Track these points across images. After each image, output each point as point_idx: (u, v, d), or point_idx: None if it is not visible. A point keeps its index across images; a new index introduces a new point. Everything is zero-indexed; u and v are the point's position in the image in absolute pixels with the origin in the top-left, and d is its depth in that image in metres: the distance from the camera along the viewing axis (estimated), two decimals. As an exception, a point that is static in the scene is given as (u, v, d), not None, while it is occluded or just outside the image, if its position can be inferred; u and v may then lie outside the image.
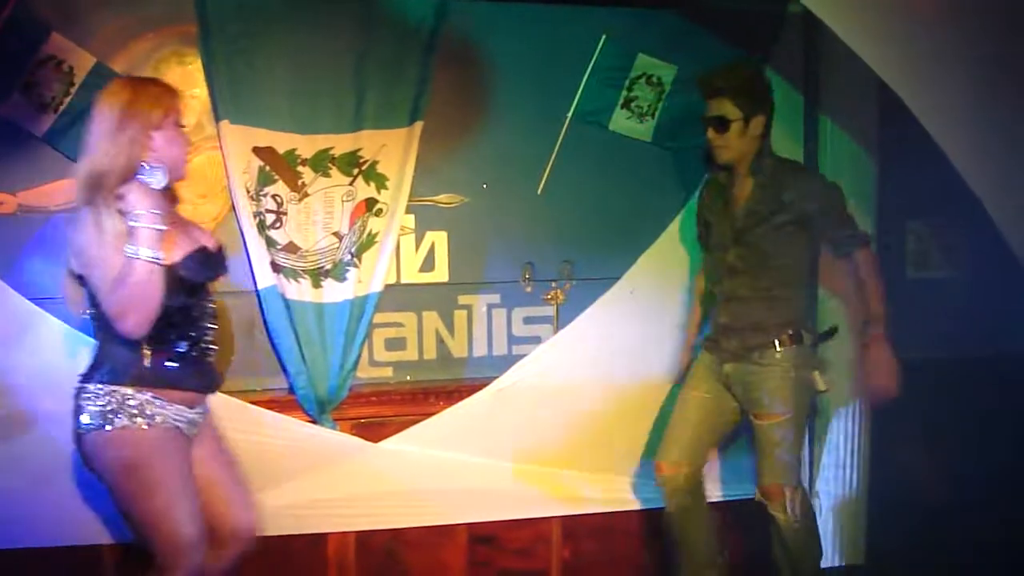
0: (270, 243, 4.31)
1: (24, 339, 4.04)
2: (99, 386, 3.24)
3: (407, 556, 4.51)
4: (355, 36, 4.36)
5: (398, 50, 4.39)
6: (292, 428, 4.26)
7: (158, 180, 3.25)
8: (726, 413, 4.27)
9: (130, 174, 3.18)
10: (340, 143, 4.39)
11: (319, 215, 4.39)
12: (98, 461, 3.28)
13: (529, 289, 4.67)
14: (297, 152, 4.33)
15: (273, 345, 4.36)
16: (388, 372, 4.60)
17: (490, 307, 4.67)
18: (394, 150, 4.40)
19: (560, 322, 4.68)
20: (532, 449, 4.52)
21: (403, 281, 4.56)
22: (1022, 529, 4.48)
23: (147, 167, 3.23)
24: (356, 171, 4.40)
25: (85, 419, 3.23)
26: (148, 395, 3.25)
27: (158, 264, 3.12)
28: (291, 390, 4.36)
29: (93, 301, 3.24)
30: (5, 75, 4.08)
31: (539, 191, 4.63)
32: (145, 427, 3.23)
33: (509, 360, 4.61)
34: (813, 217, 4.06)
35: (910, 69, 3.81)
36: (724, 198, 4.22)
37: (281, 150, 4.33)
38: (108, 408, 3.21)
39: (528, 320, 4.69)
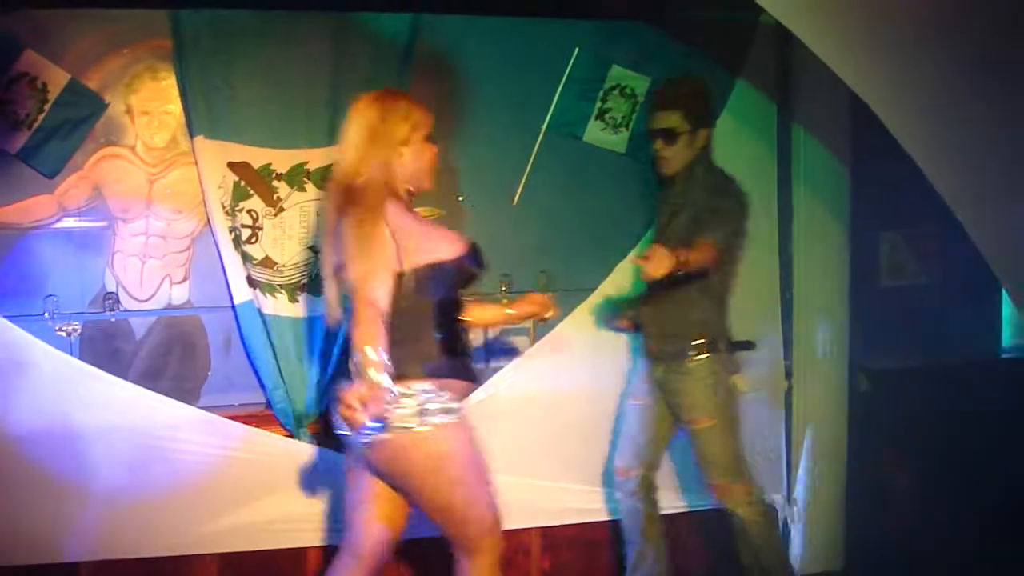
0: (246, 258, 4.31)
1: (-1, 357, 4.02)
2: (403, 387, 3.23)
3: (387, 570, 4.49)
4: (330, 51, 4.37)
5: (373, 64, 4.40)
6: (270, 443, 4.26)
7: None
8: (666, 418, 4.31)
9: (381, 188, 3.28)
10: (315, 157, 4.39)
11: (295, 230, 4.40)
12: (405, 461, 3.32)
13: (506, 301, 4.66)
14: (272, 167, 4.34)
15: (250, 360, 4.37)
16: (366, 386, 4.59)
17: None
18: (369, 164, 4.40)
19: (537, 333, 4.68)
20: (510, 461, 4.49)
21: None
22: (998, 533, 4.51)
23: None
24: (332, 185, 4.40)
25: (394, 421, 3.22)
26: (441, 390, 3.31)
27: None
28: (268, 405, 4.37)
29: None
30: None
31: (514, 202, 4.65)
32: (450, 422, 3.31)
33: (486, 372, 4.60)
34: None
35: (879, 79, 3.84)
36: (668, 212, 4.26)
37: (256, 165, 4.33)
38: (424, 406, 3.26)
39: (505, 332, 4.70)
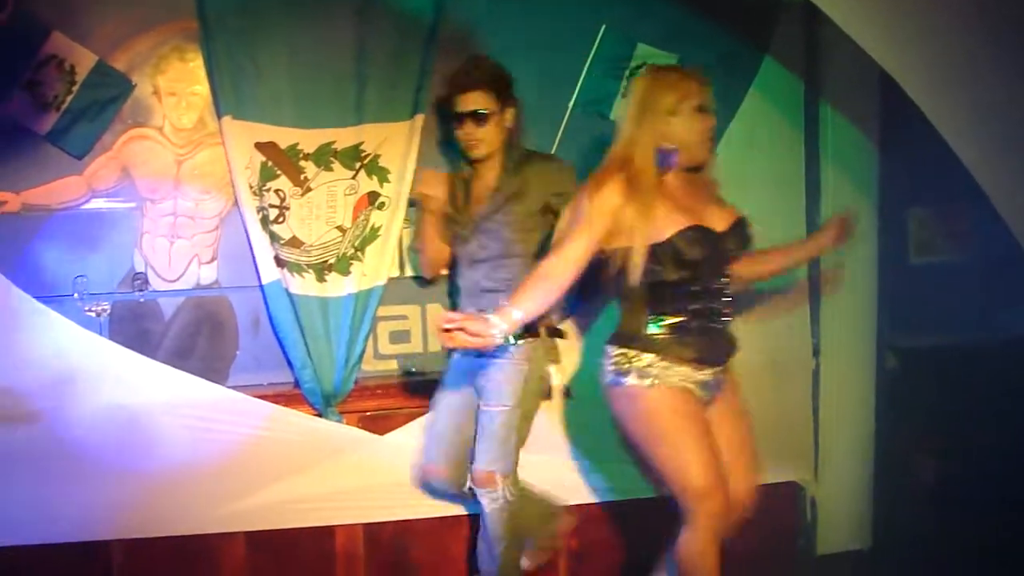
0: (273, 238, 4.32)
1: (27, 337, 4.04)
2: (613, 348, 3.62)
3: (414, 548, 4.52)
4: (356, 29, 4.36)
5: (399, 43, 4.39)
6: (298, 422, 4.27)
7: (671, 162, 3.51)
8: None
9: (650, 158, 3.46)
10: (342, 137, 4.39)
11: (322, 209, 4.40)
12: (614, 412, 3.66)
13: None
14: (299, 147, 4.34)
15: (278, 339, 4.39)
16: (393, 365, 4.62)
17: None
18: (396, 143, 4.41)
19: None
20: (537, 438, 4.52)
21: (406, 274, 4.58)
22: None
23: (662, 151, 3.48)
24: (358, 165, 4.41)
25: (606, 376, 3.63)
26: (652, 358, 3.53)
27: None
28: (297, 384, 4.38)
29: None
30: (7, 74, 4.10)
31: (541, 181, 4.63)
32: (647, 385, 3.52)
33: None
34: (558, 209, 3.88)
35: (908, 55, 3.81)
36: (466, 191, 4.20)
37: (283, 145, 4.34)
38: (619, 367, 3.57)
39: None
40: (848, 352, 4.83)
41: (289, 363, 4.39)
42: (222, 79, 4.25)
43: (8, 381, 4.02)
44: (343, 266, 4.39)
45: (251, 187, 4.28)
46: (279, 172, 4.35)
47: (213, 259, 4.41)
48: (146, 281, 4.33)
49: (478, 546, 4.21)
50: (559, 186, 4.06)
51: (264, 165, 4.32)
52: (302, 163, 4.37)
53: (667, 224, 3.46)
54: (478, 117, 4.04)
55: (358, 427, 4.39)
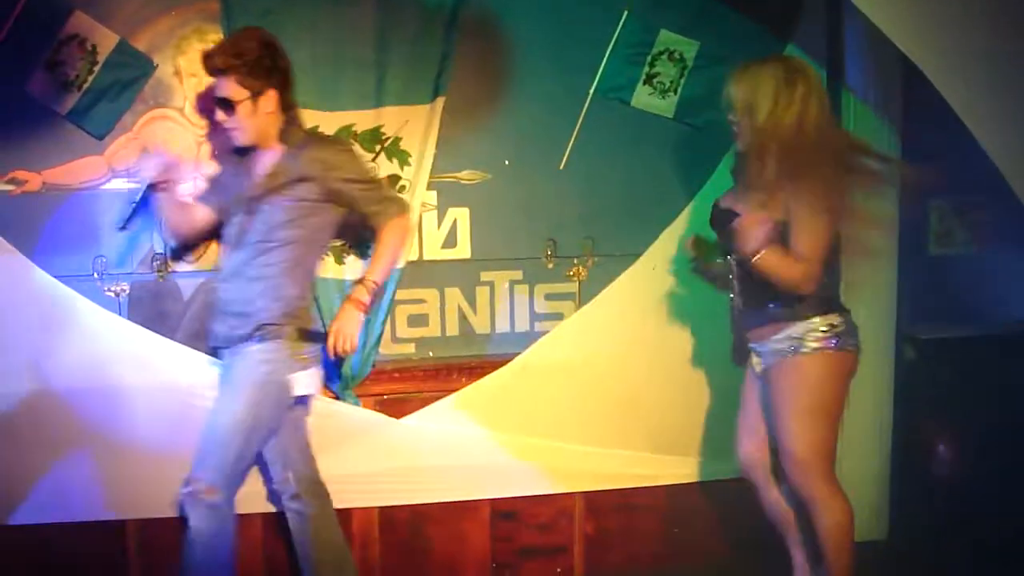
0: (293, 220, 4.31)
1: (48, 316, 4.06)
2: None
3: (430, 531, 4.53)
4: (377, 12, 4.35)
5: (420, 26, 4.38)
6: (316, 404, 4.26)
7: None
8: None
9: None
10: (362, 119, 4.38)
11: (342, 192, 4.39)
12: (817, 377, 3.83)
13: (551, 266, 4.67)
14: (319, 129, 4.33)
15: (296, 321, 4.38)
16: (411, 348, 4.61)
17: (512, 283, 4.67)
18: (416, 126, 4.40)
19: (582, 298, 4.68)
20: (554, 425, 4.53)
21: (425, 257, 4.57)
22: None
23: None
24: (378, 147, 4.40)
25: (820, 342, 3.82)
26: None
27: None
28: (314, 367, 4.38)
29: None
30: (28, 54, 4.09)
31: (561, 167, 4.62)
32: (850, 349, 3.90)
33: (531, 337, 4.62)
34: (342, 192, 3.87)
35: (933, 44, 3.80)
36: (239, 172, 3.96)
37: (303, 127, 4.33)
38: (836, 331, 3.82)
39: (550, 296, 4.69)
40: (867, 342, 4.79)
41: (307, 345, 4.38)
42: (243, 61, 4.24)
43: (27, 360, 4.04)
44: (362, 249, 4.39)
45: (272, 169, 4.26)
46: (300, 154, 4.34)
47: (232, 241, 4.40)
48: (165, 262, 4.33)
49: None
50: (345, 170, 3.89)
51: (284, 147, 4.31)
52: (322, 145, 4.36)
53: None
54: (226, 105, 3.80)
55: (375, 410, 4.39)
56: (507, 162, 4.59)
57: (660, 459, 4.66)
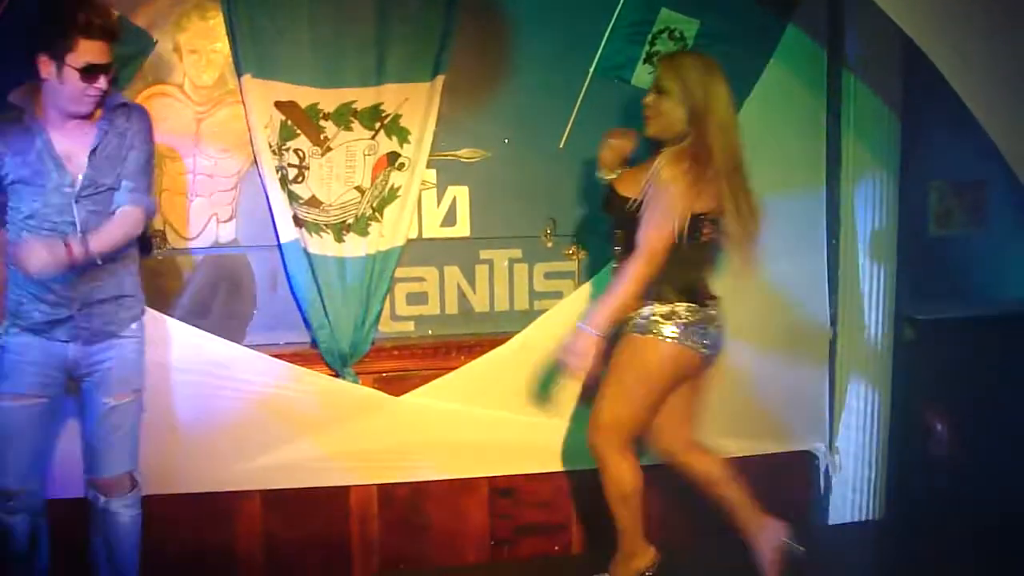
0: (292, 197, 4.32)
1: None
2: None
3: (429, 509, 4.54)
4: (378, -10, 4.35)
5: (420, 4, 4.37)
6: (314, 381, 4.29)
7: None
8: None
9: None
10: (362, 97, 4.38)
11: (341, 169, 4.39)
12: (642, 359, 3.92)
13: (551, 244, 4.67)
14: (319, 106, 4.33)
15: (296, 299, 4.39)
16: (410, 326, 4.61)
17: (512, 262, 4.67)
18: (416, 104, 4.40)
19: (582, 278, 4.68)
20: (553, 404, 4.53)
21: (425, 236, 4.56)
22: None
23: None
24: (378, 125, 4.39)
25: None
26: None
27: None
28: (313, 344, 4.39)
29: None
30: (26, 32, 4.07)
31: (561, 146, 4.62)
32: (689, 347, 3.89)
33: (530, 315, 4.62)
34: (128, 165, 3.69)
35: (935, 24, 3.79)
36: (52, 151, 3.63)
37: (303, 104, 4.32)
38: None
39: (549, 275, 4.70)
40: (865, 322, 4.82)
41: (306, 323, 4.39)
42: (242, 37, 4.23)
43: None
44: (361, 226, 4.39)
45: (270, 146, 4.26)
46: (299, 131, 4.34)
47: (231, 217, 4.40)
48: (164, 238, 4.33)
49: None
50: (139, 145, 3.73)
51: (284, 124, 4.31)
52: (322, 123, 4.36)
53: None
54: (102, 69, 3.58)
55: (374, 388, 4.40)
56: (507, 141, 4.59)
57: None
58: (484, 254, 4.65)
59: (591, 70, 4.60)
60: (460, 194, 4.59)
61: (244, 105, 4.27)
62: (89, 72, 3.52)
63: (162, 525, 4.19)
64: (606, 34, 4.58)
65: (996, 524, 4.50)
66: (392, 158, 4.41)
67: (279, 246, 4.32)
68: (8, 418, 3.70)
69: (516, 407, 4.49)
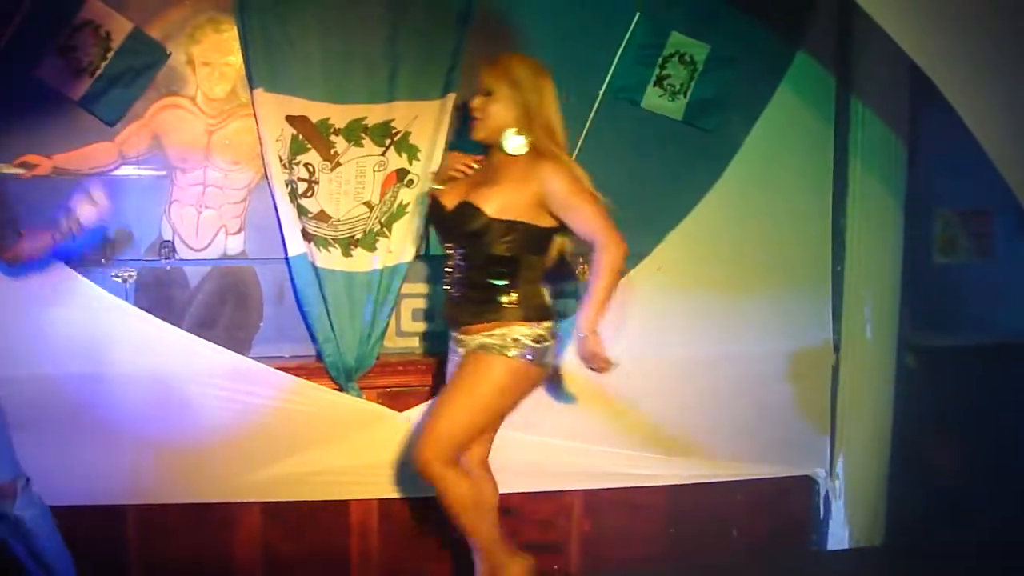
0: (301, 211, 4.33)
1: (54, 301, 4.08)
2: None
3: (429, 523, 4.54)
4: (390, 7, 4.36)
5: (432, 22, 4.40)
6: (318, 395, 4.30)
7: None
8: None
9: None
10: (373, 113, 4.40)
11: (351, 184, 4.41)
12: (493, 378, 3.83)
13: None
14: (330, 121, 4.35)
15: (302, 313, 4.40)
16: (415, 342, 4.63)
17: (518, 280, 4.67)
18: (426, 121, 4.41)
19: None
20: (555, 423, 4.54)
21: (432, 253, 4.57)
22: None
23: None
24: (388, 141, 4.41)
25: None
26: None
27: None
28: (319, 357, 4.40)
29: None
30: (42, 39, 4.10)
31: (570, 166, 4.63)
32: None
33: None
34: None
35: (945, 53, 3.81)
36: None
37: (314, 119, 4.34)
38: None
39: (556, 295, 4.70)
40: (868, 349, 4.83)
41: (312, 336, 4.40)
42: (255, 51, 4.25)
43: (35, 344, 4.06)
44: (369, 242, 4.41)
45: (281, 160, 4.28)
46: (309, 146, 4.35)
47: (240, 230, 4.42)
48: (173, 249, 4.34)
49: None
50: None
51: (295, 138, 4.32)
52: (332, 138, 4.37)
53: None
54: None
55: (378, 403, 4.41)
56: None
57: (659, 459, 4.68)
58: (490, 272, 4.64)
59: (601, 92, 4.61)
60: (468, 212, 4.59)
61: (256, 118, 4.28)
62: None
63: (163, 535, 4.21)
64: (617, 56, 4.61)
65: (997, 552, 4.50)
66: (401, 174, 4.43)
67: (287, 259, 4.33)
68: None
69: (518, 425, 4.48)
